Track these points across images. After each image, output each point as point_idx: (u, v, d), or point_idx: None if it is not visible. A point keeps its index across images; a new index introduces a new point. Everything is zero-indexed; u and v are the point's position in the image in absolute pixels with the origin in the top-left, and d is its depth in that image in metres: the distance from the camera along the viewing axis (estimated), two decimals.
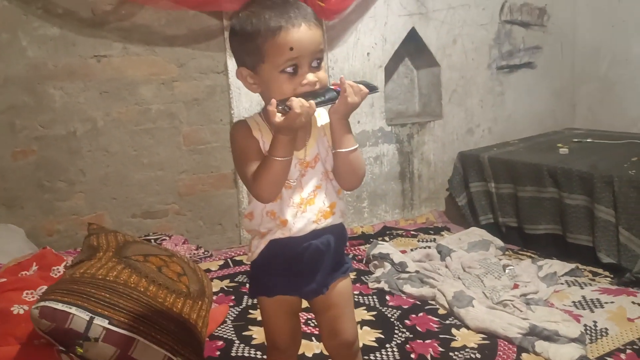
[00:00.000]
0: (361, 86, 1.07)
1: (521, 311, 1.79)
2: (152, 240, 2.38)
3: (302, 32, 1.03)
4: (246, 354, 1.67)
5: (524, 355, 1.60)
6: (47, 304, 1.36)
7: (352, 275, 2.26)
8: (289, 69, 1.05)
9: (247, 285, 1.32)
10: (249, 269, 1.28)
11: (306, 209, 1.15)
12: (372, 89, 1.11)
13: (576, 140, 2.96)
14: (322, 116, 1.19)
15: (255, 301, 2.01)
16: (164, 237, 2.45)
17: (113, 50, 2.40)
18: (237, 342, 1.74)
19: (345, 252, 1.32)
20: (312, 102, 1.02)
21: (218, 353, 1.68)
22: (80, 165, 2.42)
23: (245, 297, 2.06)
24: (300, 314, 1.31)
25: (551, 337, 1.61)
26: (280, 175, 1.08)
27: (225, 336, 1.78)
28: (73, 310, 1.37)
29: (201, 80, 2.57)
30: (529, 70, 3.39)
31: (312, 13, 1.08)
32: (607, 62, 3.35)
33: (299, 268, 1.18)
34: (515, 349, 1.63)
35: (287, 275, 1.19)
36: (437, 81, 3.12)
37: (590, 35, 3.42)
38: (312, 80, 1.05)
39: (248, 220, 1.21)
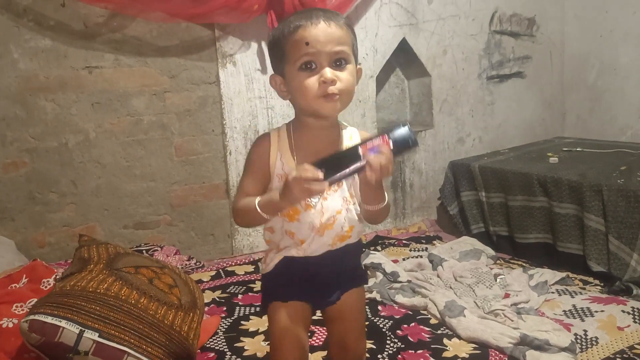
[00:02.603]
0: (387, 151, 0.94)
1: (512, 321, 1.79)
2: (144, 251, 2.38)
3: (319, 29, 1.02)
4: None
5: None
6: (36, 317, 1.36)
7: None
8: (307, 65, 1.03)
9: (260, 297, 1.29)
10: (261, 281, 1.27)
11: (324, 233, 1.13)
12: (406, 143, 0.96)
13: (566, 149, 2.98)
14: (353, 136, 1.18)
15: (247, 311, 2.01)
16: (156, 248, 2.45)
17: (105, 62, 2.40)
18: (228, 353, 1.74)
19: (361, 265, 1.31)
20: (324, 182, 0.92)
21: None
22: (72, 176, 2.41)
23: (237, 307, 2.05)
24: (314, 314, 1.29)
25: (542, 346, 1.62)
26: (259, 222, 1.09)
27: (217, 347, 1.77)
28: (63, 323, 1.37)
29: (193, 91, 2.58)
30: (519, 79, 3.43)
31: (341, 17, 1.07)
32: (595, 71, 3.39)
33: (312, 284, 1.18)
34: (507, 359, 1.64)
35: (300, 288, 1.18)
36: (428, 91, 3.14)
37: (579, 45, 3.46)
38: (328, 77, 1.02)
39: (269, 233, 1.20)
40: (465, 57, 3.20)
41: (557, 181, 2.40)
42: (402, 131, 0.97)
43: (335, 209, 1.13)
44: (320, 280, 1.18)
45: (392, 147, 0.96)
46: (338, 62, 1.04)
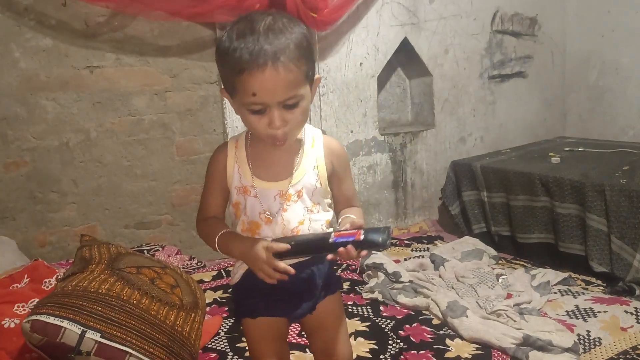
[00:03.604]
0: (354, 252, 0.98)
1: (515, 321, 1.79)
2: (145, 251, 2.37)
3: (266, 77, 0.92)
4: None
5: None
6: (38, 317, 1.35)
7: (346, 285, 2.26)
8: (255, 110, 0.97)
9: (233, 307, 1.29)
10: (231, 293, 1.25)
11: None
12: (377, 245, 0.99)
13: (567, 149, 2.98)
14: (315, 144, 1.12)
15: None
16: (157, 248, 2.45)
17: (106, 61, 2.40)
18: (230, 353, 1.73)
19: (334, 269, 1.28)
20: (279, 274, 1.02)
21: None
22: (73, 176, 2.41)
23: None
24: (290, 326, 1.27)
25: (545, 347, 1.62)
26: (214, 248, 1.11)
27: (218, 348, 1.77)
28: (65, 323, 1.36)
29: (194, 90, 2.57)
30: (520, 79, 3.42)
31: (292, 44, 0.95)
32: (597, 71, 3.39)
33: (281, 296, 1.13)
34: (509, 359, 1.63)
35: (269, 300, 1.14)
36: (430, 90, 3.14)
37: (580, 45, 3.45)
38: (276, 125, 0.97)
39: None
40: (467, 57, 3.20)
41: (559, 181, 2.40)
42: (377, 236, 0.99)
43: (297, 220, 1.09)
44: (288, 291, 1.12)
45: (362, 241, 0.98)
46: (289, 104, 0.98)
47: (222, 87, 1.06)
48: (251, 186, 1.08)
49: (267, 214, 1.08)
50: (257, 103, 0.96)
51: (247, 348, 1.70)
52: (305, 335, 1.72)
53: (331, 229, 1.08)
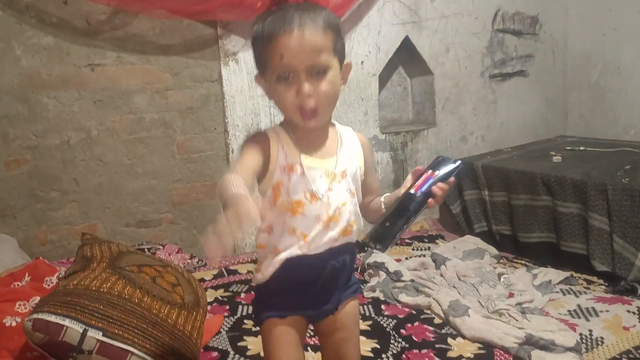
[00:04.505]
0: (445, 187, 1.04)
1: (517, 320, 1.79)
2: (146, 250, 2.37)
3: (294, 39, 0.95)
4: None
5: None
6: (40, 316, 1.35)
7: None
8: (283, 77, 0.98)
9: (252, 310, 1.20)
10: (254, 291, 1.18)
11: (330, 225, 1.07)
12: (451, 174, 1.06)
13: (569, 148, 2.98)
14: (349, 133, 1.14)
15: (250, 310, 2.00)
16: (158, 247, 2.44)
17: (107, 60, 2.39)
18: (232, 352, 1.73)
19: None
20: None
21: None
22: (74, 174, 2.40)
23: (240, 306, 2.04)
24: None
25: (547, 346, 1.61)
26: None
27: (220, 347, 1.76)
28: (67, 322, 1.36)
29: (195, 89, 2.57)
30: (522, 78, 3.42)
31: (319, 16, 0.98)
32: (598, 70, 3.38)
33: (313, 289, 1.11)
34: (512, 359, 1.63)
35: (298, 295, 1.11)
36: (431, 89, 3.13)
37: (582, 44, 3.45)
38: (305, 92, 0.97)
39: (266, 235, 1.10)
40: (468, 56, 3.19)
41: (561, 180, 2.39)
42: (449, 163, 1.07)
43: (340, 201, 1.08)
44: (321, 284, 1.11)
45: (440, 176, 1.05)
46: (316, 72, 0.98)
47: (257, 74, 1.07)
48: (298, 164, 1.05)
49: (314, 192, 1.05)
50: (285, 67, 0.97)
51: (249, 347, 1.73)
52: (314, 335, 1.68)
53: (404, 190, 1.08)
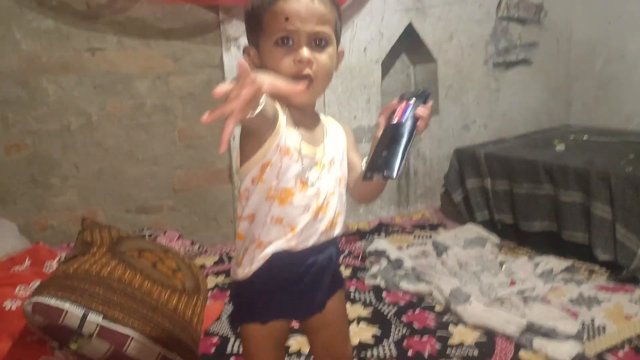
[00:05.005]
0: (427, 108, 0.98)
1: (518, 308, 1.78)
2: (147, 236, 2.37)
3: (302, 3, 0.93)
4: (241, 351, 1.65)
5: (521, 352, 1.59)
6: (40, 299, 1.35)
7: (348, 271, 2.25)
8: (284, 41, 0.94)
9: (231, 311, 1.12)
10: (233, 289, 1.09)
11: (318, 217, 1.02)
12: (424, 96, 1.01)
13: (572, 137, 2.95)
14: (329, 119, 1.11)
15: None
16: (159, 233, 2.44)
17: (108, 44, 2.37)
18: (232, 338, 1.73)
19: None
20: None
21: (213, 350, 1.67)
22: (74, 160, 2.39)
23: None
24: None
25: (549, 334, 1.61)
26: None
27: (220, 333, 1.77)
28: (67, 306, 1.35)
29: (197, 74, 2.55)
30: (525, 66, 3.39)
31: None
32: (603, 58, 3.35)
33: (299, 287, 1.04)
34: (513, 346, 1.62)
35: (283, 297, 1.04)
36: (434, 77, 3.11)
37: (587, 32, 3.41)
38: (305, 57, 0.93)
39: (248, 222, 1.01)
40: (472, 43, 3.16)
41: (564, 169, 2.37)
42: (419, 93, 1.01)
43: (329, 191, 1.03)
44: (307, 283, 1.04)
45: (416, 101, 0.98)
46: (318, 42, 0.96)
47: (245, 46, 1.03)
48: (296, 148, 0.98)
49: (305, 180, 0.99)
50: (288, 31, 0.94)
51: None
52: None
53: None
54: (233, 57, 2.55)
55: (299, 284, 1.04)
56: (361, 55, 2.83)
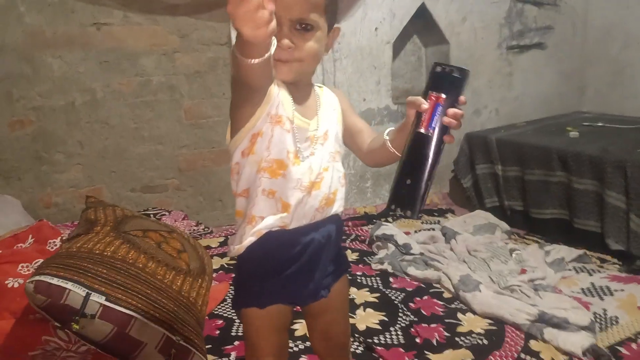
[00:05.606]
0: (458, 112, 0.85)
1: (529, 297, 1.74)
2: (152, 216, 2.34)
3: None
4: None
5: (532, 342, 1.56)
6: (42, 278, 1.31)
7: (355, 255, 2.22)
8: None
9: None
10: (234, 272, 1.06)
11: (312, 193, 0.98)
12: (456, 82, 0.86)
13: (586, 123, 2.89)
14: (324, 89, 1.07)
15: None
16: (164, 213, 2.41)
17: (114, 19, 2.32)
18: (237, 321, 1.70)
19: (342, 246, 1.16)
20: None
21: (218, 332, 1.65)
22: (79, 137, 2.36)
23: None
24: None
25: (560, 324, 1.57)
26: (245, 73, 0.82)
27: (225, 315, 1.74)
28: (69, 285, 1.32)
29: (203, 52, 2.50)
30: (539, 51, 3.31)
31: None
32: (619, 43, 3.27)
33: (295, 268, 1.00)
34: (524, 336, 1.59)
35: (280, 278, 1.00)
36: (446, 60, 3.03)
37: (603, 16, 3.32)
38: (283, 44, 0.90)
39: (244, 199, 0.99)
40: (485, 26, 3.09)
41: (578, 156, 2.32)
42: (454, 77, 0.85)
43: (322, 166, 0.99)
44: (306, 261, 1.00)
45: (449, 98, 0.85)
46: (303, 26, 0.92)
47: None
48: (288, 118, 0.94)
49: (297, 153, 0.95)
50: None
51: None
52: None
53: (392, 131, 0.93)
54: None
55: (296, 264, 1.00)
56: (372, 35, 2.77)
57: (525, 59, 3.27)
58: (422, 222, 2.61)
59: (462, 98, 0.85)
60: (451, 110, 0.84)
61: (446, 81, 0.86)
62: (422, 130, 0.85)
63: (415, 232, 2.45)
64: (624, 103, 3.25)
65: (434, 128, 0.85)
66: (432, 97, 0.85)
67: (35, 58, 2.23)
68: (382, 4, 2.76)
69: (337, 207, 1.04)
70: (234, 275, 1.08)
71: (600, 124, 2.85)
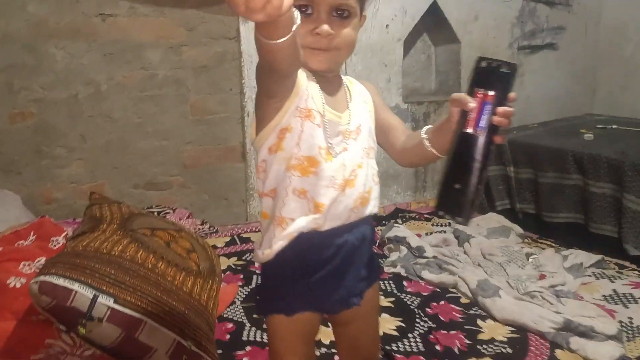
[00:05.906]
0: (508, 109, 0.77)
1: (552, 304, 1.68)
2: (155, 213, 2.26)
3: None
4: (258, 339, 1.56)
5: (557, 351, 1.49)
6: (47, 278, 1.24)
7: None
8: (302, 9, 0.84)
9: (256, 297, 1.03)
10: (260, 275, 1.01)
11: (345, 191, 0.91)
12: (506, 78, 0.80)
13: (600, 126, 2.83)
14: (354, 82, 1.01)
15: None
16: (168, 210, 2.33)
17: (119, 10, 2.24)
18: (247, 325, 1.63)
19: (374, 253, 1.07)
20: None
21: (228, 336, 1.57)
22: (81, 130, 2.28)
23: (255, 276, 1.94)
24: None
25: (587, 333, 1.50)
26: (268, 53, 0.74)
27: (235, 318, 1.67)
28: (76, 286, 1.24)
29: (211, 46, 2.42)
30: (551, 51, 3.26)
31: None
32: (632, 44, 3.22)
33: (326, 272, 0.94)
34: (548, 344, 1.52)
35: (310, 283, 0.94)
36: (456, 58, 2.98)
37: (617, 16, 3.27)
38: (324, 31, 0.85)
39: (270, 199, 0.93)
40: (497, 25, 3.03)
41: (595, 159, 2.26)
42: (502, 76, 0.79)
43: (356, 162, 0.93)
44: (338, 265, 0.94)
45: (499, 95, 0.78)
46: (340, 13, 0.87)
47: None
48: (319, 111, 0.89)
49: (329, 149, 0.90)
50: None
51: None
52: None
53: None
54: (250, 29, 2.42)
55: (327, 267, 0.94)
56: (383, 32, 2.70)
57: (537, 59, 3.22)
58: (433, 224, 2.55)
59: (512, 95, 0.78)
60: (501, 109, 0.77)
61: (493, 77, 0.80)
62: (470, 131, 0.78)
63: (427, 234, 2.38)
64: (636, 105, 3.19)
65: (483, 128, 0.78)
66: (479, 95, 0.79)
67: (38, 48, 2.15)
68: (394, 1, 2.69)
69: (372, 208, 0.98)
70: (259, 278, 1.02)
71: (614, 126, 2.79)
